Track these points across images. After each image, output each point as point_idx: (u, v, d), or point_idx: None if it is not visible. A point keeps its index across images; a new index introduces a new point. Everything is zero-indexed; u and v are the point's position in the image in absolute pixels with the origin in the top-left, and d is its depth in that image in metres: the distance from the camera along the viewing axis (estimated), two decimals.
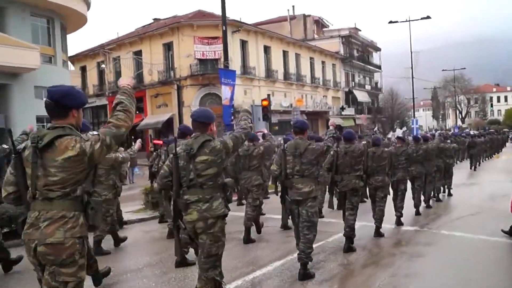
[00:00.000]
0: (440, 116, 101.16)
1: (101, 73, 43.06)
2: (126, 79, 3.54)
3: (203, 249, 4.38)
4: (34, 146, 3.08)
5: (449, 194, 14.22)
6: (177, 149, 4.43)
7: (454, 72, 67.62)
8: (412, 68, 38.40)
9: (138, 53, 38.93)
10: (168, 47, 36.93)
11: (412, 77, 38.70)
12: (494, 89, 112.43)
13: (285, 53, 42.91)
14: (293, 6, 56.31)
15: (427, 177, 11.61)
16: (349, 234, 7.44)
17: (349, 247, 7.37)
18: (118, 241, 8.41)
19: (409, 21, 37.10)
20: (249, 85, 37.44)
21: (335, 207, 7.78)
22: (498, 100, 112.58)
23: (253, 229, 8.75)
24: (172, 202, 4.65)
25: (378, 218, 8.54)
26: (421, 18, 36.23)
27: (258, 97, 37.98)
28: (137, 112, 37.56)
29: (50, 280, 3.07)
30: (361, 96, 57.64)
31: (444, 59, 68.95)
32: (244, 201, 9.92)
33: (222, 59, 35.71)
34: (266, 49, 40.29)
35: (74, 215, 3.11)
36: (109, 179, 7.48)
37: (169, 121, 35.43)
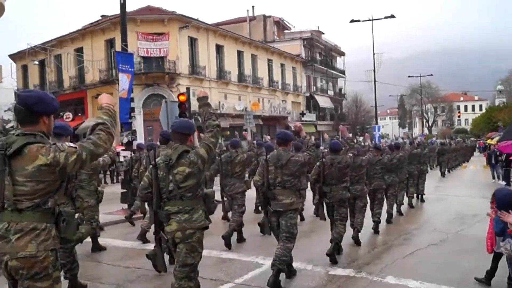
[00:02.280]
0: (407, 125, 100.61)
1: (42, 72, 39.91)
2: (107, 98, 3.45)
3: (179, 258, 4.40)
4: (1, 154, 2.94)
5: (422, 200, 14.68)
6: (157, 159, 4.45)
7: (421, 79, 66.31)
8: (374, 70, 36.32)
9: (80, 50, 35.88)
10: (110, 43, 33.95)
11: (374, 80, 36.67)
12: (462, 98, 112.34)
13: (240, 54, 40.34)
14: (253, 7, 54.02)
15: (399, 185, 11.77)
16: (337, 240, 7.41)
17: (332, 254, 7.17)
18: (97, 247, 8.36)
19: (372, 20, 35.16)
20: (198, 86, 34.59)
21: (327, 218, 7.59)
22: (466, 109, 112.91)
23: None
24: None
25: (359, 223, 8.53)
26: (385, 17, 34.33)
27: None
28: (79, 114, 34.57)
29: None
30: (323, 101, 55.48)
31: (410, 68, 68.81)
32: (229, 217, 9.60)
33: (169, 57, 33.35)
34: (219, 49, 37.61)
35: (46, 227, 3.00)
36: (90, 185, 7.16)
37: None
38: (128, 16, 32.69)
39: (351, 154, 8.08)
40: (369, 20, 34.72)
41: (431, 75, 64.05)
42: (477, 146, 57.11)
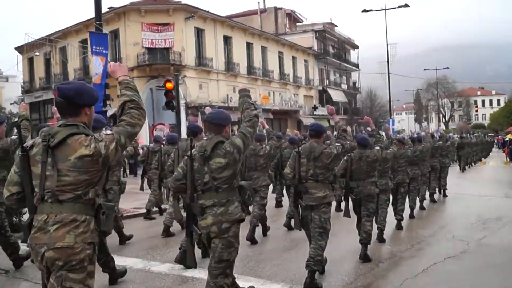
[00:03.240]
0: (424, 120, 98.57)
1: (48, 65, 39.08)
2: (119, 68, 3.39)
3: (214, 254, 4.22)
4: (45, 145, 2.94)
5: (444, 195, 14.35)
6: (192, 150, 4.26)
7: (437, 72, 64.33)
8: (388, 61, 34.80)
9: (85, 42, 34.86)
10: (115, 35, 32.84)
11: (388, 72, 35.11)
12: (479, 93, 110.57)
13: (249, 46, 39.02)
14: None
15: (422, 178, 11.52)
16: (366, 240, 7.15)
17: (365, 255, 6.99)
18: (123, 238, 8.23)
19: (385, 9, 33.65)
20: (205, 78, 33.53)
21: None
22: (483, 104, 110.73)
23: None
24: (185, 206, 4.43)
25: (382, 221, 8.36)
26: (398, 7, 32.74)
27: (216, 92, 34.23)
28: None
29: (56, 285, 2.91)
30: (337, 95, 53.98)
31: (426, 63, 66.90)
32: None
33: (175, 48, 32.20)
34: (227, 40, 36.34)
35: (86, 219, 2.97)
36: (113, 175, 6.91)
37: (113, 118, 31.41)
38: (132, 6, 31.92)
39: (378, 148, 7.77)
40: (382, 9, 33.20)
41: (448, 68, 61.83)
42: (496, 141, 55.43)
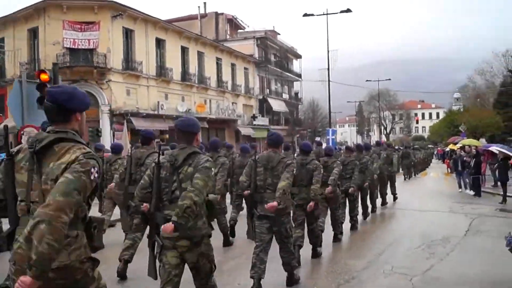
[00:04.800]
0: (365, 132, 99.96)
1: None
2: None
3: (199, 271, 4.17)
4: (31, 151, 2.77)
5: (394, 199, 15.22)
6: (160, 158, 4.16)
7: (379, 84, 64.26)
8: (328, 68, 33.44)
9: (1, 41, 31.79)
10: (34, 33, 29.90)
11: (329, 78, 33.76)
12: (419, 106, 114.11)
13: (184, 50, 36.68)
14: (204, 3, 50.20)
15: (370, 186, 11.83)
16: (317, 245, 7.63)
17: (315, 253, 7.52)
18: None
19: (327, 14, 32.27)
20: (133, 83, 30.92)
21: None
22: (423, 117, 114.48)
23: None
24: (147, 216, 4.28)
25: (337, 225, 8.89)
26: (341, 11, 31.51)
27: (146, 99, 31.78)
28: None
29: None
30: (278, 105, 52.44)
31: (369, 76, 67.13)
32: None
33: (99, 49, 29.48)
34: (160, 43, 33.85)
35: (78, 234, 2.79)
36: None
37: None
38: (52, 1, 28.95)
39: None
40: (324, 14, 31.85)
41: (389, 79, 62.02)
42: (435, 153, 55.82)
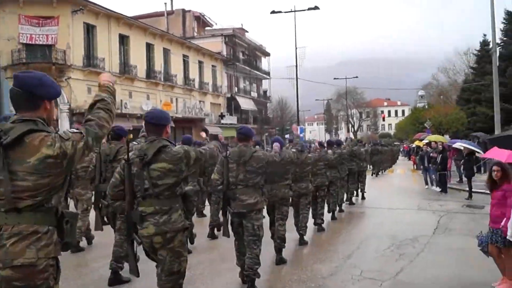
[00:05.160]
0: (333, 130, 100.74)
1: None
2: (107, 76, 3.25)
3: (163, 267, 3.99)
4: None
5: (363, 198, 15.25)
6: (130, 154, 4.04)
7: (346, 82, 64.37)
8: (296, 65, 33.12)
9: None
10: None
11: (296, 75, 33.46)
12: (385, 103, 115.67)
13: (149, 47, 35.66)
14: (171, 0, 49.29)
15: (340, 182, 11.82)
16: (281, 245, 7.28)
17: (280, 259, 7.21)
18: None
19: (295, 11, 32.00)
20: (95, 81, 29.65)
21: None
22: (389, 114, 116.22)
23: None
24: (124, 214, 4.44)
25: (303, 226, 8.54)
26: (309, 9, 31.19)
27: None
28: None
29: None
30: (246, 103, 51.86)
31: (337, 75, 67.69)
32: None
33: (58, 45, 28.25)
34: (123, 39, 32.76)
35: (48, 230, 2.64)
36: (86, 178, 7.13)
37: None
38: None
39: (294, 150, 8.05)
40: (292, 11, 31.51)
41: (357, 77, 62.05)
42: (401, 149, 56.28)
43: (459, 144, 18.84)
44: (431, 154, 18.37)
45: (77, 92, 27.82)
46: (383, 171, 28.26)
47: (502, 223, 5.62)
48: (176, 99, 38.82)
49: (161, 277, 4.03)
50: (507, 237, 5.48)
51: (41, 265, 2.55)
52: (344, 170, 12.09)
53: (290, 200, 7.81)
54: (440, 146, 18.02)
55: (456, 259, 7.55)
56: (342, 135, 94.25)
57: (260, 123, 55.18)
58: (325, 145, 11.65)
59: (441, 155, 17.19)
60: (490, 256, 5.98)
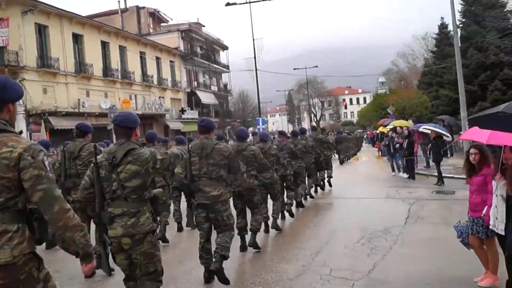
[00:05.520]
0: (296, 120, 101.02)
1: None
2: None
3: (139, 270, 4.10)
4: None
5: (330, 185, 15.01)
6: (98, 157, 4.10)
7: (306, 71, 64.86)
8: (255, 56, 33.26)
9: None
10: None
11: (256, 67, 33.62)
12: (347, 92, 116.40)
13: (105, 45, 35.31)
14: None
15: (307, 171, 11.79)
16: (256, 228, 7.56)
17: (254, 242, 7.43)
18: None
19: (250, 2, 31.96)
20: (50, 81, 29.34)
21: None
22: (351, 102, 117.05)
23: None
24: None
25: (274, 214, 8.80)
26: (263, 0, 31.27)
27: (65, 96, 30.30)
28: None
29: None
30: (206, 97, 51.83)
31: (298, 66, 67.63)
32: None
33: (10, 47, 27.61)
34: (77, 38, 32.35)
35: (19, 228, 2.66)
36: None
37: None
38: None
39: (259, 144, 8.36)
40: (246, 2, 31.53)
41: (317, 66, 62.49)
42: (365, 136, 57.00)
43: (425, 128, 18.37)
44: (396, 140, 17.90)
45: (32, 93, 27.32)
46: (347, 159, 27.65)
47: (484, 212, 5.17)
48: (135, 96, 38.58)
49: (141, 278, 4.14)
50: (490, 227, 5.00)
51: (19, 262, 2.60)
52: (310, 159, 11.84)
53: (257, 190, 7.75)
54: (406, 131, 17.63)
55: (432, 251, 7.08)
56: (305, 125, 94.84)
57: (221, 117, 55.25)
58: (289, 135, 11.51)
59: (407, 140, 16.75)
60: (471, 249, 5.54)
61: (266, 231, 8.79)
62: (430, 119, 33.10)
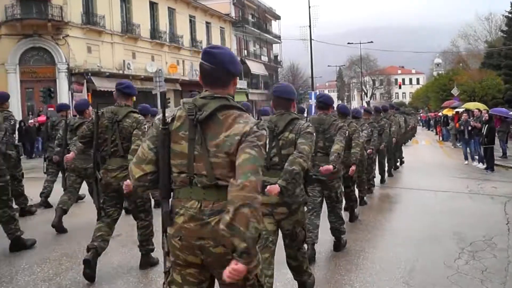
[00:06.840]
0: (345, 97, 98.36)
1: None
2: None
3: (293, 239, 4.19)
4: (191, 119, 2.49)
5: (401, 163, 15.23)
6: (262, 123, 3.44)
7: (361, 47, 61.76)
8: (310, 25, 30.85)
9: None
10: None
11: (310, 37, 31.25)
12: (399, 71, 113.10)
13: (153, 5, 33.53)
14: None
15: (387, 148, 11.61)
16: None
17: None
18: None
19: None
20: (95, 39, 27.85)
21: None
22: (404, 82, 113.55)
23: None
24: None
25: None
26: None
27: (110, 57, 28.77)
28: None
29: None
30: (256, 67, 49.70)
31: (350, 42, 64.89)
32: None
33: (54, 1, 26.08)
34: None
35: None
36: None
37: None
38: None
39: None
40: None
41: (371, 42, 59.13)
42: (420, 119, 53.89)
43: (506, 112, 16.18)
44: (471, 124, 15.57)
45: (76, 51, 25.97)
46: (406, 141, 25.60)
47: None
48: (183, 61, 36.85)
49: (291, 245, 4.19)
50: None
51: None
52: (385, 139, 11.08)
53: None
54: (486, 114, 15.38)
55: None
56: (355, 103, 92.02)
57: (270, 88, 53.09)
58: (372, 112, 11.17)
59: (487, 125, 14.50)
60: None
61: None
62: (503, 104, 29.81)
